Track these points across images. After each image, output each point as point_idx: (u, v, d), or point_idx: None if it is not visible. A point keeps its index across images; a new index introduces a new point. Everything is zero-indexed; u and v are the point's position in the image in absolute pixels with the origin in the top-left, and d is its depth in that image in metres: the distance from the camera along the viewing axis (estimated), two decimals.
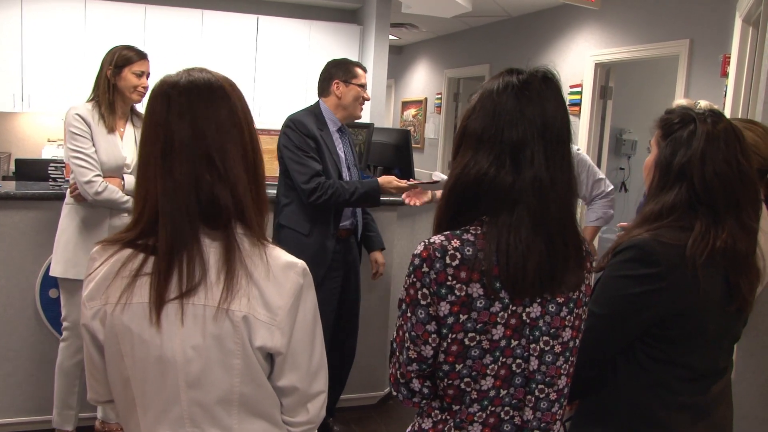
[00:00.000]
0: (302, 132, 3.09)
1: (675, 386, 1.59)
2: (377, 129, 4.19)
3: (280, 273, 1.22)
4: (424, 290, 1.25)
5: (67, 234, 3.00)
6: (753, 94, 3.76)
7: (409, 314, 1.29)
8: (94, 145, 2.93)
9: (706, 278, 1.53)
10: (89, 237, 3.00)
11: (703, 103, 3.04)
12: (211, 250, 1.19)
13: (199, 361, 1.19)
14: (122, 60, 2.98)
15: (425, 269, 1.25)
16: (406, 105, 10.54)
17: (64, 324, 3.08)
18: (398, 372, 1.35)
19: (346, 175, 3.24)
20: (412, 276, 1.28)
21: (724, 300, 1.58)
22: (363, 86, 3.28)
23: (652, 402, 1.59)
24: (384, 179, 3.15)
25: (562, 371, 1.34)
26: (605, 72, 6.27)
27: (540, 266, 1.24)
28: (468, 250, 1.24)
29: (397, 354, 1.34)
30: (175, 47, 6.49)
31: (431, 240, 1.27)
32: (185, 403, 1.21)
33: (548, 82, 1.30)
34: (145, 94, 3.05)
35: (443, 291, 1.24)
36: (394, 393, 1.38)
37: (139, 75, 3.03)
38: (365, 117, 6.87)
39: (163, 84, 1.23)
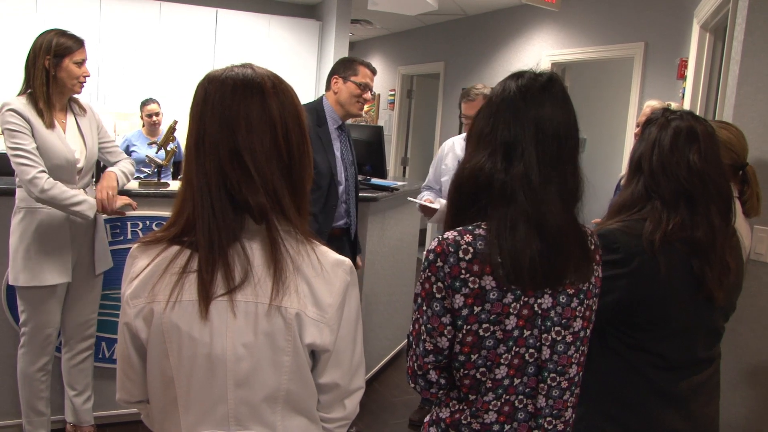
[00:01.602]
0: None
1: (648, 372, 1.66)
2: (349, 126, 4.19)
3: (330, 270, 1.23)
4: (439, 284, 1.31)
5: (25, 240, 2.80)
6: (711, 97, 3.94)
7: (424, 308, 1.35)
8: (36, 141, 2.69)
9: (666, 264, 1.61)
10: (49, 240, 2.84)
11: (674, 105, 3.19)
12: (255, 246, 1.20)
13: (250, 359, 1.19)
14: (62, 49, 2.73)
15: (439, 263, 1.31)
16: None
17: (24, 329, 2.91)
18: (415, 364, 1.40)
19: (341, 174, 3.19)
20: (427, 271, 1.33)
21: (690, 289, 1.66)
22: (362, 85, 3.21)
23: (625, 386, 1.67)
24: None
25: (573, 360, 1.41)
26: (561, 71, 6.43)
27: (534, 260, 1.29)
28: (480, 244, 1.30)
29: (414, 347, 1.39)
30: (132, 40, 6.35)
31: (445, 236, 1.33)
32: (232, 402, 1.21)
33: (549, 86, 1.37)
34: (85, 83, 2.86)
35: (457, 284, 1.29)
36: (412, 385, 1.43)
37: (80, 64, 2.80)
38: None
39: (206, 78, 1.24)
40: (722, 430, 1.76)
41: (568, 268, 1.35)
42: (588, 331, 1.44)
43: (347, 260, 1.28)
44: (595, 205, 1.82)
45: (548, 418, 1.40)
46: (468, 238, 1.31)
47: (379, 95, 9.89)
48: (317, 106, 3.21)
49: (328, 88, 3.27)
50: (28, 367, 2.94)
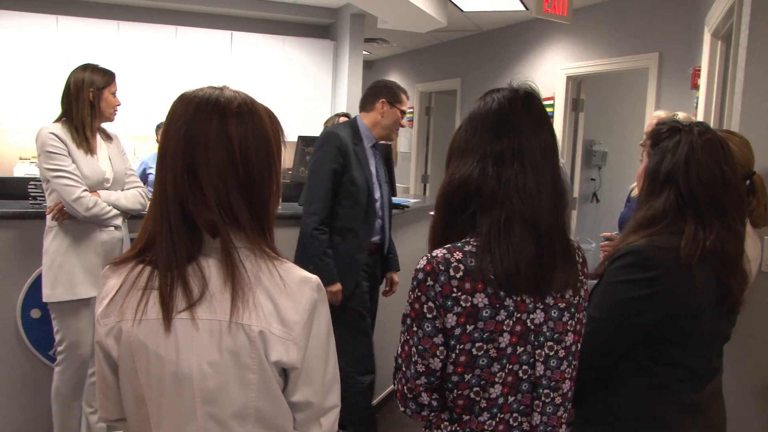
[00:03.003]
0: (333, 144, 3.18)
1: (674, 387, 1.64)
2: None
3: (295, 288, 1.23)
4: (430, 303, 1.29)
5: (59, 256, 2.95)
6: (725, 105, 3.87)
7: (414, 328, 1.32)
8: (74, 161, 2.91)
9: (700, 280, 1.60)
10: (82, 255, 2.96)
11: (681, 115, 3.14)
12: (212, 263, 1.21)
13: (216, 376, 1.19)
14: (103, 82, 3.01)
15: (430, 282, 1.28)
16: None
17: (59, 349, 3.02)
18: (405, 387, 1.36)
19: (377, 191, 3.32)
20: (417, 290, 1.31)
21: (717, 301, 1.65)
22: (403, 113, 3.39)
23: (653, 402, 1.64)
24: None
25: (566, 375, 1.38)
26: (576, 85, 6.39)
27: (529, 261, 1.28)
28: (471, 261, 1.28)
29: (404, 369, 1.36)
30: (148, 63, 6.46)
31: (433, 254, 1.31)
32: (201, 419, 1.21)
33: (529, 98, 1.38)
34: (116, 112, 3.14)
35: (449, 303, 1.27)
36: (402, 408, 1.39)
37: (114, 94, 3.09)
38: None
39: (178, 97, 1.26)
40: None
41: (555, 271, 1.33)
42: (579, 345, 1.41)
43: (314, 277, 1.27)
44: (607, 218, 1.80)
45: None
46: (458, 255, 1.29)
47: None
48: (353, 124, 3.36)
49: (365, 108, 3.40)
50: (62, 386, 3.04)
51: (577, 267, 1.40)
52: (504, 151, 1.33)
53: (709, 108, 3.96)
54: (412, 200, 4.61)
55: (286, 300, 1.22)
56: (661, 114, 3.42)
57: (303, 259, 3.14)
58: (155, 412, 1.23)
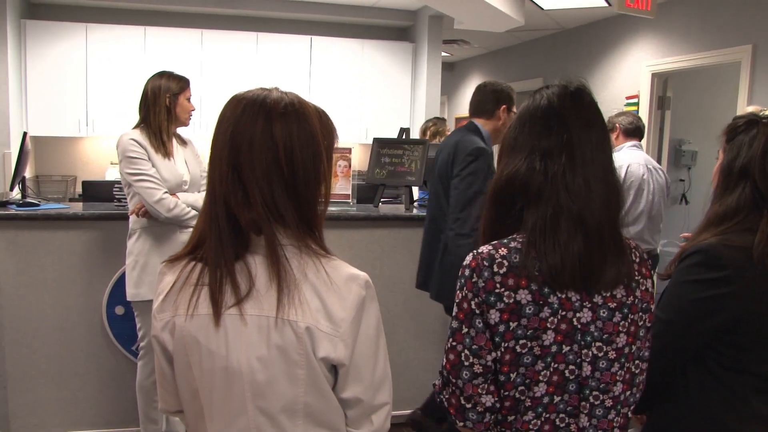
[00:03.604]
0: (487, 163, 3.00)
1: (748, 397, 1.55)
2: (433, 145, 4.18)
3: (343, 285, 1.23)
4: (477, 299, 1.28)
5: (142, 257, 3.07)
6: None
7: (465, 330, 1.30)
8: (153, 165, 3.03)
9: None
10: (164, 256, 3.03)
11: None
12: (258, 260, 1.22)
13: (265, 371, 1.20)
14: (177, 89, 3.13)
15: (475, 279, 1.28)
16: (459, 121, 10.52)
17: (141, 344, 3.17)
18: (461, 398, 1.32)
19: None
20: (465, 289, 1.30)
21: None
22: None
23: (725, 414, 1.55)
24: None
25: (617, 378, 1.33)
26: (662, 82, 6.16)
27: (576, 258, 1.26)
28: (515, 257, 1.27)
29: (453, 380, 1.33)
30: (231, 70, 6.66)
31: (479, 250, 1.31)
32: (251, 413, 1.23)
33: (579, 93, 1.36)
34: (191, 117, 3.26)
35: (492, 299, 1.26)
36: (460, 424, 1.35)
37: (189, 100, 3.20)
38: (416, 134, 6.93)
39: (230, 99, 1.29)
40: None
41: (605, 269, 1.29)
42: (634, 348, 1.35)
43: (362, 274, 1.27)
44: (697, 220, 1.71)
45: None
46: (503, 251, 1.28)
47: None
48: (474, 129, 3.19)
49: (485, 113, 3.24)
50: (144, 379, 3.18)
51: (631, 265, 1.35)
52: (552, 147, 1.31)
53: None
54: None
55: (333, 297, 1.22)
56: (751, 110, 3.24)
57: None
58: (208, 406, 1.25)
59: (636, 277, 1.35)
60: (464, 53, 9.87)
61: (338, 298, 1.22)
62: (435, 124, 5.45)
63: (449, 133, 4.12)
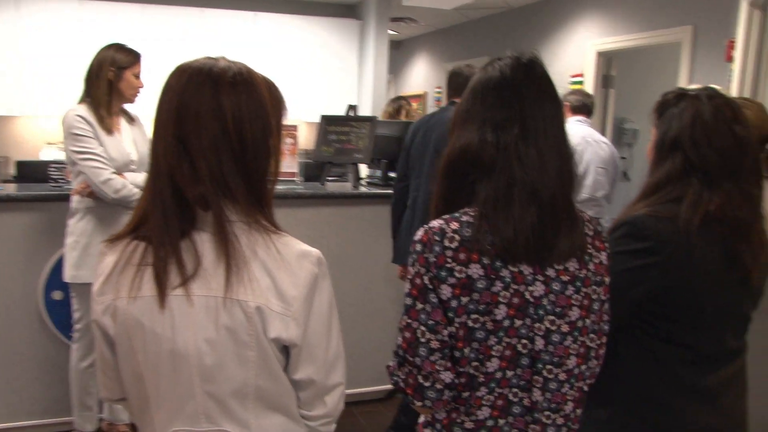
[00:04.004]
0: None
1: (678, 369, 1.57)
2: (381, 122, 4.14)
3: (294, 262, 1.19)
4: (429, 274, 1.25)
5: (84, 238, 2.96)
6: (760, 77, 3.72)
7: (419, 306, 1.27)
8: (101, 144, 2.90)
9: (701, 249, 1.53)
10: (102, 238, 2.97)
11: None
12: (205, 238, 1.17)
13: (213, 354, 1.16)
14: (123, 63, 2.96)
15: (426, 254, 1.25)
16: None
17: (77, 326, 3.06)
18: (419, 376, 1.29)
19: None
20: (417, 264, 1.28)
21: (724, 272, 1.57)
22: None
23: (656, 384, 1.58)
24: None
25: (571, 351, 1.32)
26: (607, 61, 6.23)
27: (530, 229, 1.24)
28: (466, 231, 1.25)
29: (411, 358, 1.29)
30: (173, 45, 6.44)
31: (430, 224, 1.28)
32: (200, 397, 1.18)
33: (532, 65, 1.33)
34: (139, 94, 3.08)
35: (443, 273, 1.24)
36: (419, 403, 1.32)
37: (137, 76, 3.04)
38: (365, 111, 6.84)
39: (174, 68, 1.22)
40: (763, 422, 1.65)
41: (558, 241, 1.27)
42: (588, 321, 1.34)
43: (314, 251, 1.23)
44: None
45: (546, 412, 1.32)
46: (454, 225, 1.26)
47: (426, 93, 9.81)
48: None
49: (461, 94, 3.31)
50: (78, 363, 3.08)
51: (584, 238, 1.34)
52: (505, 118, 1.28)
53: (744, 80, 3.81)
54: None
55: (284, 274, 1.18)
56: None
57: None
58: (154, 391, 1.20)
59: (589, 250, 1.34)
60: (411, 31, 9.82)
61: (289, 275, 1.18)
62: (408, 103, 5.50)
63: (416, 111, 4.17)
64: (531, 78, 1.32)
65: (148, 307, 1.16)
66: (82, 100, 2.97)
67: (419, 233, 1.29)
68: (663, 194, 1.61)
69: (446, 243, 1.24)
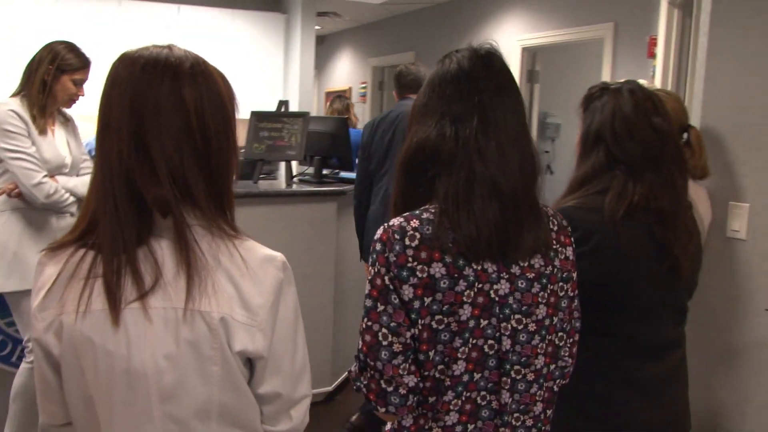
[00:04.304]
0: None
1: (618, 362, 1.59)
2: (313, 118, 4.07)
3: (258, 268, 1.11)
4: (389, 275, 1.21)
5: (11, 244, 2.73)
6: (682, 73, 3.86)
7: (381, 307, 1.22)
8: (33, 144, 2.69)
9: (628, 238, 1.55)
10: (37, 242, 2.75)
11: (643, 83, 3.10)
12: (164, 245, 1.08)
13: (173, 371, 1.07)
14: (65, 65, 2.75)
15: (386, 253, 1.21)
16: (330, 95, 10.41)
17: (28, 345, 2.78)
18: (382, 381, 1.24)
19: None
20: (377, 264, 1.23)
21: (653, 262, 1.60)
22: None
23: (598, 380, 1.59)
24: None
25: (539, 350, 1.30)
26: (531, 56, 6.34)
27: (492, 226, 1.21)
28: (427, 229, 1.21)
29: (372, 362, 1.24)
30: (89, 38, 6.11)
31: (390, 223, 1.24)
32: (159, 420, 1.08)
33: (489, 57, 1.31)
34: (76, 102, 2.88)
35: (405, 273, 1.20)
36: (382, 410, 1.27)
37: (78, 83, 2.83)
38: (294, 107, 6.73)
39: (119, 57, 1.12)
40: (700, 415, 1.68)
41: (521, 236, 1.25)
42: (555, 319, 1.32)
43: (278, 255, 1.16)
44: (561, 190, 1.76)
45: (515, 414, 1.29)
46: (414, 223, 1.22)
47: (350, 88, 9.76)
48: None
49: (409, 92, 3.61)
50: (27, 381, 2.75)
51: (549, 233, 1.32)
52: (463, 111, 1.25)
53: (667, 76, 3.95)
54: None
55: (249, 282, 1.10)
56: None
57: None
58: (106, 415, 1.09)
59: (554, 246, 1.32)
60: (335, 26, 9.75)
61: (254, 282, 1.10)
62: (343, 103, 5.84)
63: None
64: (489, 70, 1.29)
65: (100, 322, 1.06)
66: (16, 93, 2.75)
67: (379, 232, 1.24)
68: (590, 187, 1.63)
69: (407, 242, 1.20)
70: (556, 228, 1.35)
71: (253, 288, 1.10)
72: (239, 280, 1.09)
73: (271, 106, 6.40)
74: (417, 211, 1.25)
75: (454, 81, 1.28)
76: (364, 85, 9.34)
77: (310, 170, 4.13)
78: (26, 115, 2.69)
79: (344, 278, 3.94)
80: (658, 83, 3.99)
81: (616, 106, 1.64)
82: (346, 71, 10.04)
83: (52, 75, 2.73)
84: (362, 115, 9.30)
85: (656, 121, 1.63)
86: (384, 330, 1.22)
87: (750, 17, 2.27)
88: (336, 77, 10.41)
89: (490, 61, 1.31)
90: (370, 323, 1.24)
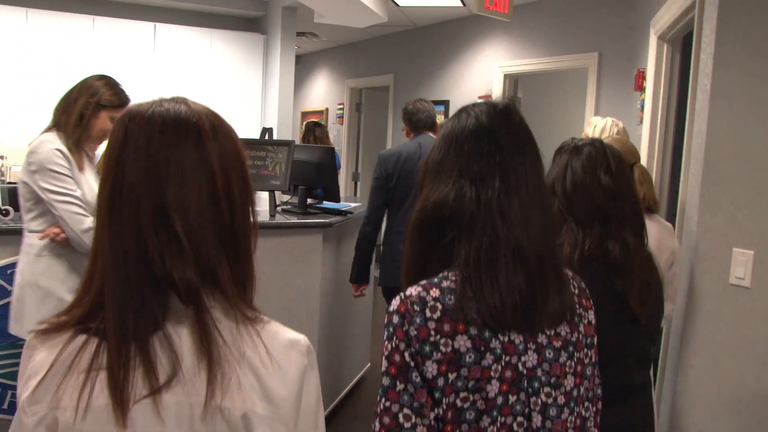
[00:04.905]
0: None
1: None
2: (298, 147, 3.95)
3: (282, 356, 1.00)
4: (410, 350, 1.10)
5: (55, 290, 2.55)
6: (671, 108, 3.85)
7: (400, 386, 1.11)
8: (77, 184, 2.54)
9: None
10: (73, 286, 2.56)
11: (608, 121, 3.19)
12: (183, 332, 0.95)
13: None
14: (107, 101, 2.61)
15: (405, 327, 1.10)
16: (306, 115, 10.31)
17: None
18: None
19: None
20: (394, 339, 1.12)
21: (614, 311, 1.65)
22: None
23: None
24: None
25: (568, 425, 1.21)
26: (513, 83, 6.32)
27: (518, 294, 1.13)
28: (449, 299, 1.11)
29: None
30: (61, 57, 5.97)
31: (407, 292, 1.14)
32: None
33: (508, 113, 1.24)
34: (105, 141, 2.71)
35: (427, 348, 1.09)
36: None
37: (113, 120, 2.68)
38: (273, 130, 6.63)
39: (126, 113, 0.99)
40: None
41: (547, 303, 1.16)
42: (582, 389, 1.24)
43: (302, 338, 1.04)
44: None
45: None
46: (435, 292, 1.12)
47: (327, 109, 9.68)
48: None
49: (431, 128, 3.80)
50: None
51: (573, 298, 1.24)
52: (484, 170, 1.17)
53: (656, 109, 3.93)
54: (353, 204, 4.41)
55: (272, 372, 0.98)
56: (598, 119, 3.37)
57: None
58: None
59: (578, 311, 1.25)
60: (312, 46, 9.67)
61: (277, 372, 0.98)
62: (322, 131, 6.12)
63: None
64: (509, 126, 1.22)
65: (102, 421, 0.92)
66: (50, 128, 2.60)
67: (395, 303, 1.14)
68: None
69: (428, 313, 1.10)
70: (577, 291, 1.28)
71: (277, 377, 0.98)
72: (262, 371, 0.97)
73: (250, 128, 6.31)
74: (435, 279, 1.15)
75: (473, 137, 1.20)
76: (341, 107, 9.26)
77: (294, 200, 4.02)
78: (69, 155, 2.54)
79: (327, 310, 3.83)
80: (647, 117, 3.97)
81: (568, 165, 1.75)
82: (323, 91, 9.96)
83: (91, 109, 2.59)
84: (340, 136, 9.21)
85: (604, 178, 1.71)
86: (405, 410, 1.11)
87: (754, 59, 2.25)
88: (312, 97, 10.32)
89: (510, 116, 1.24)
90: (388, 404, 1.12)
